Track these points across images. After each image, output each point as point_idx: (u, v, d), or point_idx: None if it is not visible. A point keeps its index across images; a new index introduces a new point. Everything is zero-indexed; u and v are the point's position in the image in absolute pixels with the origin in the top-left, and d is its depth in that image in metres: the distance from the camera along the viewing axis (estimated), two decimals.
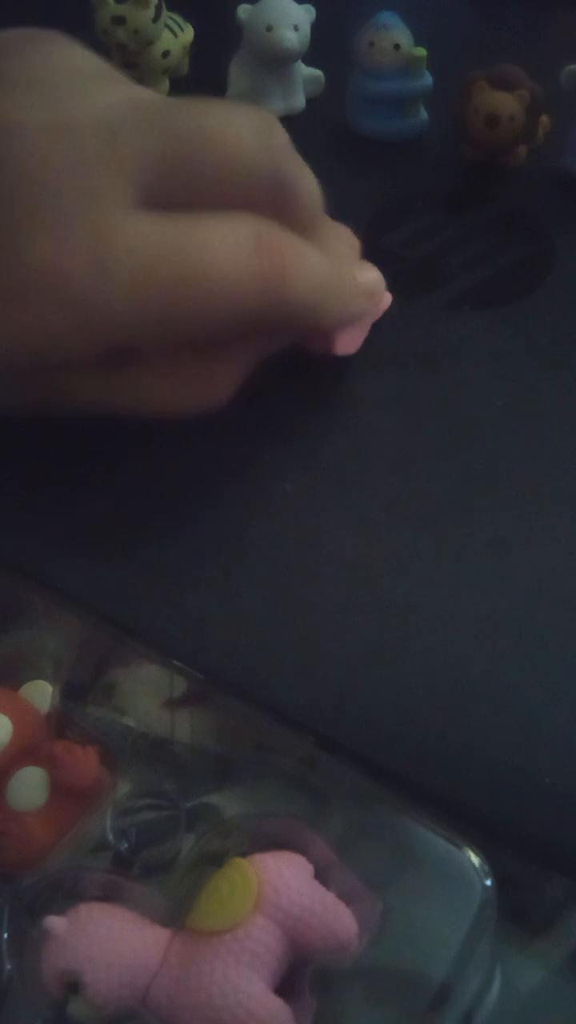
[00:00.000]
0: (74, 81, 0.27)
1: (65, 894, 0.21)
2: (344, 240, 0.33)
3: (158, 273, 0.25)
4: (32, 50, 0.28)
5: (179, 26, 0.45)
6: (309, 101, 0.46)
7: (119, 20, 0.41)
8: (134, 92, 0.28)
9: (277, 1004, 0.19)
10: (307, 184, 0.29)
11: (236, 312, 0.27)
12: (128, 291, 0.25)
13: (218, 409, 0.30)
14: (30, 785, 0.23)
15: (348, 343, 0.33)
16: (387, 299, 0.35)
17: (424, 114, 0.44)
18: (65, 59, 0.28)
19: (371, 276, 0.33)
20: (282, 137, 0.28)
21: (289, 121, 0.45)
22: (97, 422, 0.32)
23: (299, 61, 0.44)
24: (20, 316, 0.25)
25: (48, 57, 0.28)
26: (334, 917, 0.20)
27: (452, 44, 0.48)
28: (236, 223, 0.27)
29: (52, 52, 0.28)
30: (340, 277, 0.30)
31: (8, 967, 0.20)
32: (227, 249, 0.26)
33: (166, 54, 0.44)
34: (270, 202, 0.28)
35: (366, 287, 0.33)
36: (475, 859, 0.21)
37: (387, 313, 0.35)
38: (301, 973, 0.20)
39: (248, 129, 0.28)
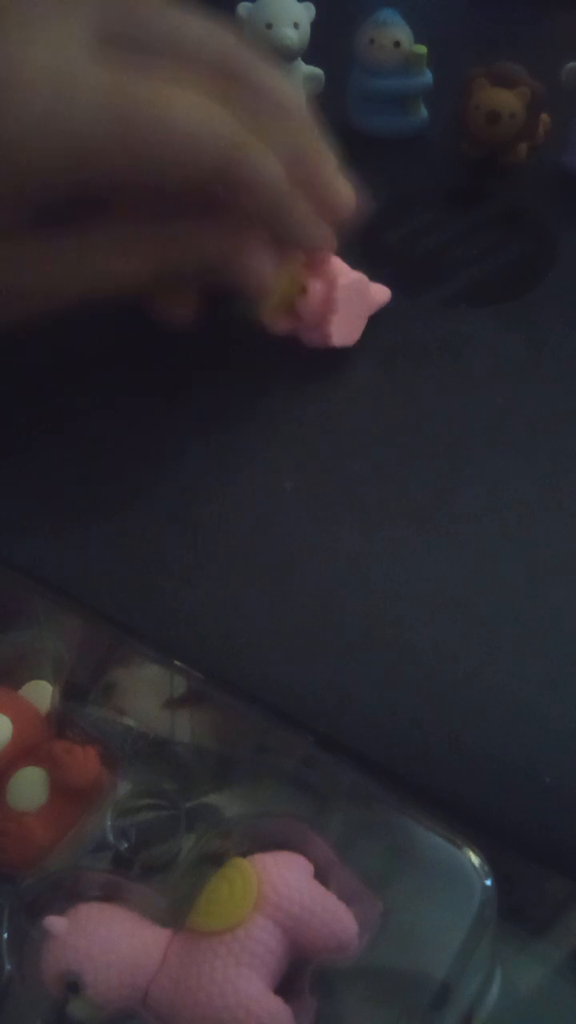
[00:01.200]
0: None
1: (65, 894, 0.21)
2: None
3: (116, 91, 0.26)
4: None
5: None
6: (309, 99, 0.45)
7: None
8: None
9: (277, 1004, 0.19)
10: (272, 82, 0.30)
11: (192, 151, 0.27)
12: (86, 103, 0.26)
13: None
14: (30, 785, 0.23)
15: (345, 335, 0.33)
16: (385, 294, 0.35)
17: (424, 111, 0.44)
18: None
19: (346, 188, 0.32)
20: (231, 35, 0.30)
21: None
22: (97, 423, 0.32)
23: (299, 59, 0.44)
24: None
25: None
26: (334, 917, 0.20)
27: (452, 41, 0.48)
28: (190, 79, 0.28)
29: None
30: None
31: (8, 967, 0.20)
32: (182, 97, 0.27)
33: None
34: (228, 86, 0.29)
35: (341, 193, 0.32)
36: (475, 859, 0.21)
37: (387, 309, 0.35)
38: (301, 973, 0.20)
39: (196, 16, 0.29)
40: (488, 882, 0.20)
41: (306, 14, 0.42)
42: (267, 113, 0.29)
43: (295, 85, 0.44)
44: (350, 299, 0.32)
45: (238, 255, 0.31)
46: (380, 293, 0.35)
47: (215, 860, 0.21)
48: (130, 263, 0.30)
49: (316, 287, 0.32)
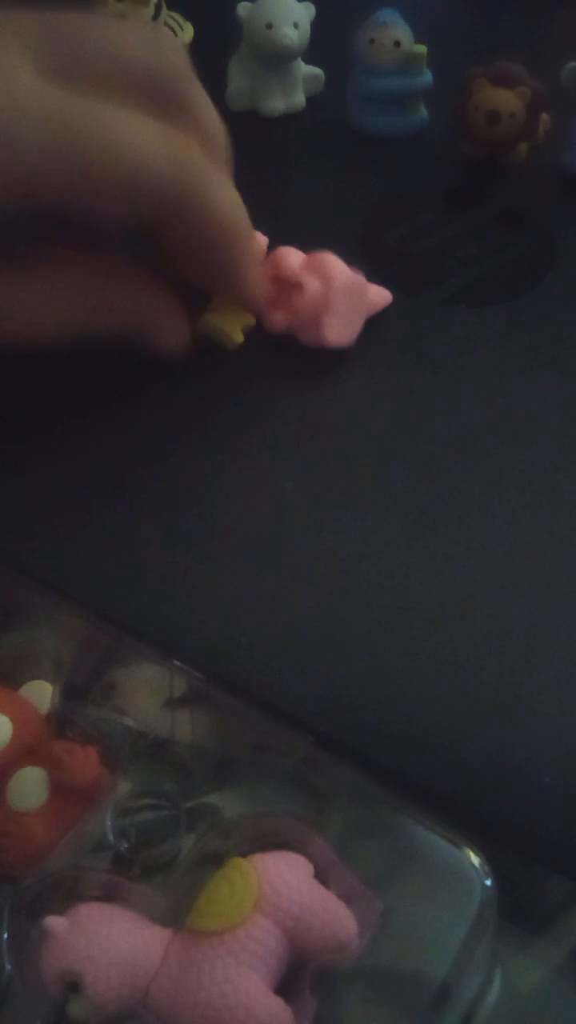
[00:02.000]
0: None
1: (65, 894, 0.21)
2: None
3: (63, 113, 0.26)
4: None
5: (179, 24, 0.45)
6: (309, 99, 0.45)
7: (119, 18, 0.41)
8: None
9: (277, 1004, 0.19)
10: (208, 113, 0.30)
11: (144, 183, 0.27)
12: (33, 125, 0.25)
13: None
14: (30, 785, 0.23)
15: (340, 335, 0.33)
16: (385, 296, 0.35)
17: (424, 111, 0.44)
18: None
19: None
20: (179, 53, 0.29)
21: (289, 119, 0.46)
22: (96, 423, 0.32)
23: (299, 59, 0.44)
24: None
25: None
26: (334, 917, 0.20)
27: (452, 41, 0.48)
28: (140, 112, 0.27)
29: None
30: (245, 214, 0.30)
31: (8, 967, 0.20)
32: (133, 121, 0.27)
33: None
34: (169, 114, 0.28)
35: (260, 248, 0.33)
36: (475, 859, 0.21)
37: (387, 309, 0.35)
38: (301, 973, 0.20)
39: (139, 34, 0.29)
40: (488, 882, 0.20)
41: (306, 14, 0.42)
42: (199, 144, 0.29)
43: (297, 87, 0.44)
44: (346, 300, 0.32)
45: (155, 323, 0.31)
46: (379, 295, 0.34)
47: (215, 860, 0.21)
48: (59, 312, 0.29)
49: (313, 285, 0.32)
